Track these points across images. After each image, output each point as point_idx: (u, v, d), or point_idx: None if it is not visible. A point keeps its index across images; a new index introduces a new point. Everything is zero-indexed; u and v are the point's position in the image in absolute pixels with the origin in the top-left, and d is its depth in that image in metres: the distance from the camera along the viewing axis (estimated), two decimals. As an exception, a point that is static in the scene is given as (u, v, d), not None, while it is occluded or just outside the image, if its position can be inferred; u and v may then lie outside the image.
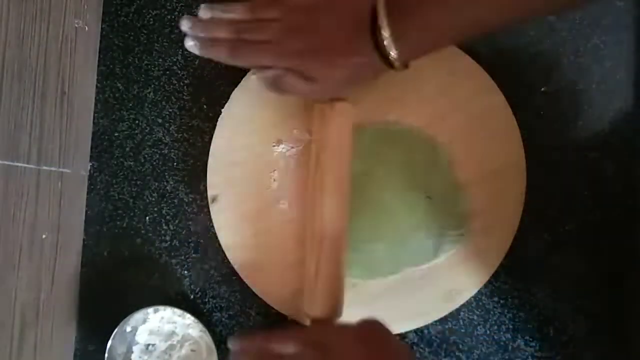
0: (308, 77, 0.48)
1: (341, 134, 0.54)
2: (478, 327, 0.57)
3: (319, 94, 0.52)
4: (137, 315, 0.57)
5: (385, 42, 0.45)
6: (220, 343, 0.59)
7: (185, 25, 0.50)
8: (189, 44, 0.50)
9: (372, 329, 0.48)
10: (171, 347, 0.59)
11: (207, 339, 0.56)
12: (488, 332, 0.57)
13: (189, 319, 0.57)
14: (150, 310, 0.57)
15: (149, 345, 0.59)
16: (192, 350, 0.59)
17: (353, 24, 0.46)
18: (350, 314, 0.56)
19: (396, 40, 0.45)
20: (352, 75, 0.48)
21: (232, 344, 0.49)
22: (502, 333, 0.57)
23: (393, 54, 0.45)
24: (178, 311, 0.57)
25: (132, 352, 0.59)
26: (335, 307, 0.53)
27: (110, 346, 0.56)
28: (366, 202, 0.56)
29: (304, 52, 0.47)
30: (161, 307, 0.58)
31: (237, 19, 0.50)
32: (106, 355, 0.56)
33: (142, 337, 0.59)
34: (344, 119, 0.54)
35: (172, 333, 0.59)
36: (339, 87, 0.50)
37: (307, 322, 0.54)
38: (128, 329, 0.58)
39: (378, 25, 0.45)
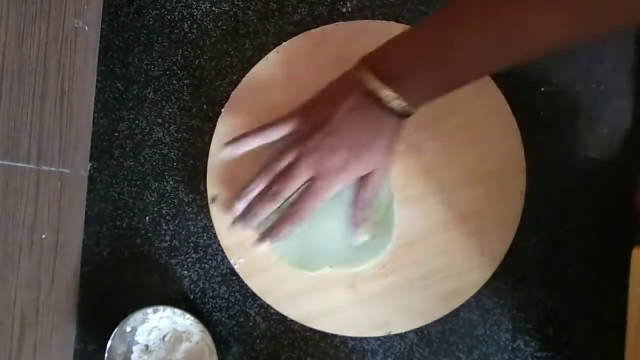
0: (363, 176, 0.51)
1: None
2: (478, 327, 0.57)
3: (382, 177, 0.52)
4: (137, 315, 0.57)
5: (393, 102, 0.47)
6: (220, 343, 0.59)
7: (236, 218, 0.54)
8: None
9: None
10: (171, 347, 0.59)
11: (207, 339, 0.56)
12: (488, 332, 0.57)
13: (188, 319, 0.57)
14: (150, 310, 0.57)
15: (148, 345, 0.59)
16: (191, 350, 0.58)
17: (363, 117, 0.49)
18: (351, 314, 0.57)
19: (402, 96, 0.47)
20: (390, 145, 0.51)
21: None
22: (502, 333, 0.57)
23: (402, 105, 0.48)
24: (178, 311, 0.57)
25: (131, 352, 0.59)
26: None
27: (110, 346, 0.56)
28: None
29: (342, 167, 0.50)
30: (161, 307, 0.58)
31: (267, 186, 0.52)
32: (106, 355, 0.56)
33: (141, 337, 0.59)
34: None
35: (172, 333, 0.59)
36: (388, 160, 0.52)
37: None
38: (128, 329, 0.58)
39: (380, 96, 0.47)
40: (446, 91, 0.48)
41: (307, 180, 0.50)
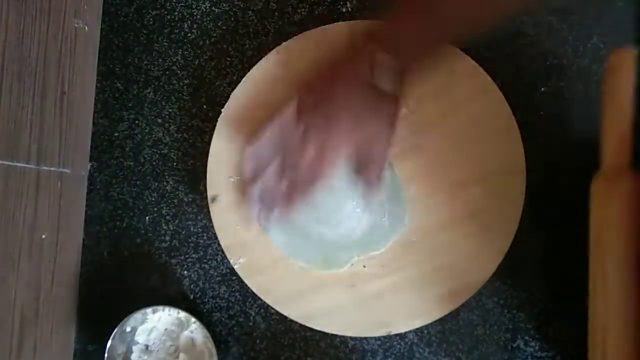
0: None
1: (629, 209, 0.46)
2: (478, 327, 0.57)
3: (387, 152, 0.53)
4: (137, 315, 0.57)
5: (380, 64, 0.48)
6: (220, 343, 0.59)
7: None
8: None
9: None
10: (171, 347, 0.59)
11: (207, 339, 0.56)
12: (488, 332, 0.57)
13: (188, 319, 0.57)
14: (150, 310, 0.57)
15: (148, 345, 0.59)
16: (191, 351, 0.58)
17: (359, 83, 0.49)
18: (351, 314, 0.57)
19: (393, 55, 0.47)
20: (390, 116, 0.51)
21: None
22: (502, 333, 0.57)
23: (393, 67, 0.48)
24: (177, 311, 0.57)
25: (131, 352, 0.59)
26: None
27: (110, 346, 0.56)
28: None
29: (351, 128, 0.50)
30: (160, 307, 0.58)
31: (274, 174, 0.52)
32: (106, 355, 0.56)
33: (141, 337, 0.59)
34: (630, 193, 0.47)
35: (172, 333, 0.59)
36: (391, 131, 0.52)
37: None
38: (128, 329, 0.58)
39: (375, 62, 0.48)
40: (435, 46, 0.49)
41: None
